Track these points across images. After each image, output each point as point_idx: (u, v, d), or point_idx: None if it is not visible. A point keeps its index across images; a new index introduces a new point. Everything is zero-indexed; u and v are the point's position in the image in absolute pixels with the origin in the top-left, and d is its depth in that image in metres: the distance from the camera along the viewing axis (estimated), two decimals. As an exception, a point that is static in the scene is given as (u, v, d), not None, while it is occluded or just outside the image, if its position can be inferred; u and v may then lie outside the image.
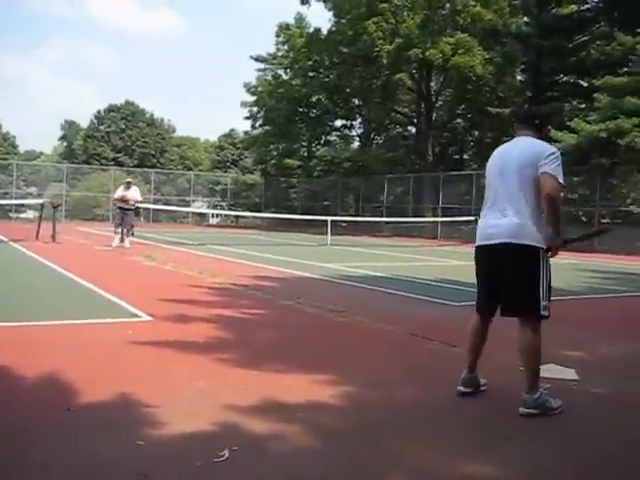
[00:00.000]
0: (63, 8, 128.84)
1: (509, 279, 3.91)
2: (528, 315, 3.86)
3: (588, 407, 4.05)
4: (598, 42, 29.00)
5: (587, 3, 32.29)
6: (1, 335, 5.40)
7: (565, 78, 33.99)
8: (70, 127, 76.72)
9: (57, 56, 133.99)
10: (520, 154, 3.93)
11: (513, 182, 3.89)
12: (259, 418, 3.48)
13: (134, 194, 16.78)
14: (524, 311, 3.88)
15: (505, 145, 4.22)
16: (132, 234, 16.83)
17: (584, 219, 26.59)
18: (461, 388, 4.12)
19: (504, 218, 3.90)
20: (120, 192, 16.69)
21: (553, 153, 3.85)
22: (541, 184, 3.79)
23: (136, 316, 6.44)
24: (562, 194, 3.97)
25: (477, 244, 4.14)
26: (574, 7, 31.73)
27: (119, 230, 16.35)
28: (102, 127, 62.45)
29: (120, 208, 16.49)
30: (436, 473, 2.93)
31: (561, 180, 3.81)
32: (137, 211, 17.53)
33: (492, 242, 3.94)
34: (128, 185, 16.92)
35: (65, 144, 75.81)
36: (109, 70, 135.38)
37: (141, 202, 18.24)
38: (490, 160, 4.19)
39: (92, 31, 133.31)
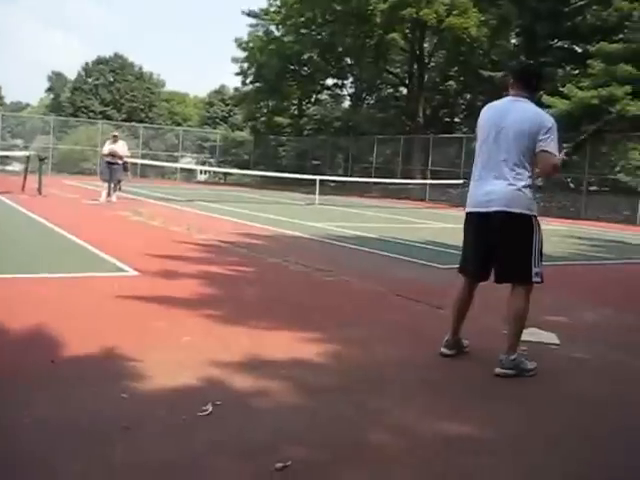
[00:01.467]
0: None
1: (504, 246, 3.94)
2: (521, 281, 3.92)
3: (568, 371, 4.11)
4: (595, 7, 28.64)
5: (585, -34, 31.85)
6: (-15, 286, 5.39)
7: (559, 43, 33.66)
8: (57, 79, 75.44)
9: (42, 5, 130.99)
10: (519, 122, 3.88)
11: (510, 149, 3.87)
12: (243, 374, 3.50)
13: (122, 149, 16.61)
14: (517, 278, 3.94)
15: (497, 105, 4.11)
16: (119, 189, 16.70)
17: (572, 185, 26.66)
18: (444, 350, 4.17)
19: (499, 185, 3.88)
20: (108, 146, 16.50)
21: (551, 127, 3.87)
22: (538, 160, 3.87)
23: (122, 270, 6.43)
24: (560, 162, 3.98)
25: (469, 210, 4.08)
26: (572, -30, 31.34)
27: (107, 185, 16.19)
28: (90, 80, 61.41)
29: (108, 162, 16.29)
30: (416, 431, 2.98)
31: (556, 153, 3.88)
32: (125, 166, 17.32)
33: (488, 210, 3.91)
34: (115, 139, 16.70)
35: (52, 96, 74.53)
36: (97, 22, 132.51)
37: (129, 157, 17.98)
38: (481, 120, 4.11)
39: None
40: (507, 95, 4.10)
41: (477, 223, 4.03)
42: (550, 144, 3.85)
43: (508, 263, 3.95)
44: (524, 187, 3.86)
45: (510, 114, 3.93)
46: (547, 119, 3.93)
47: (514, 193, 3.84)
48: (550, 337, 4.74)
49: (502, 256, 3.95)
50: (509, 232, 3.90)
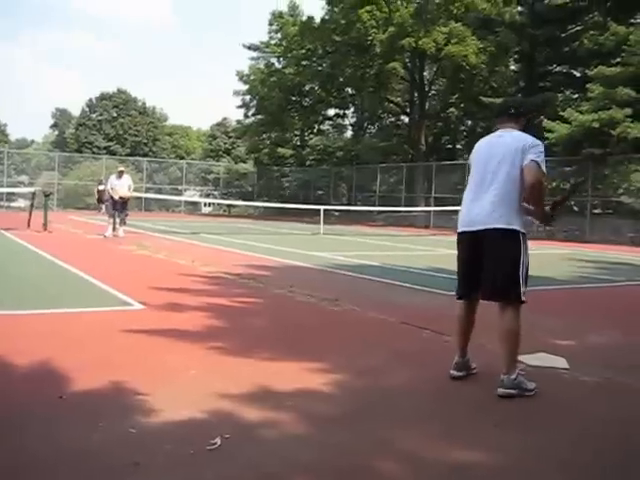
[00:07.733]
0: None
1: (492, 264, 4.00)
2: (508, 300, 3.97)
3: (578, 395, 4.09)
4: (591, 32, 28.91)
5: (580, -7, 32.23)
6: (-7, 323, 5.40)
7: (558, 68, 33.96)
8: (62, 115, 76.33)
9: (46, 44, 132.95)
10: (507, 145, 4.03)
11: (498, 171, 4.02)
12: (251, 406, 3.49)
13: (127, 184, 16.48)
14: (505, 296, 3.99)
15: (490, 136, 4.32)
16: (124, 223, 16.69)
17: (576, 209, 26.68)
18: (453, 372, 4.24)
19: (487, 205, 4.01)
20: (114, 182, 16.48)
21: (538, 145, 4.00)
22: (525, 173, 3.95)
23: (128, 305, 6.45)
24: (545, 184, 4.10)
25: (460, 230, 4.23)
26: (568, -3, 31.71)
27: (112, 220, 16.23)
28: (94, 115, 62.12)
29: (112, 197, 16.30)
30: (426, 459, 2.96)
31: (544, 169, 3.97)
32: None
33: (474, 229, 4.06)
34: (121, 174, 16.67)
35: (57, 132, 75.43)
36: (100, 58, 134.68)
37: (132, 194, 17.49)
38: (475, 150, 4.35)
39: (79, 19, 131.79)
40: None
41: (466, 242, 4.17)
42: (537, 156, 3.94)
43: (497, 281, 4.00)
44: (511, 206, 3.97)
45: (501, 140, 4.11)
46: (535, 139, 4.05)
47: (501, 211, 3.96)
48: (559, 362, 4.72)
49: (491, 273, 4.01)
50: (497, 248, 3.98)
